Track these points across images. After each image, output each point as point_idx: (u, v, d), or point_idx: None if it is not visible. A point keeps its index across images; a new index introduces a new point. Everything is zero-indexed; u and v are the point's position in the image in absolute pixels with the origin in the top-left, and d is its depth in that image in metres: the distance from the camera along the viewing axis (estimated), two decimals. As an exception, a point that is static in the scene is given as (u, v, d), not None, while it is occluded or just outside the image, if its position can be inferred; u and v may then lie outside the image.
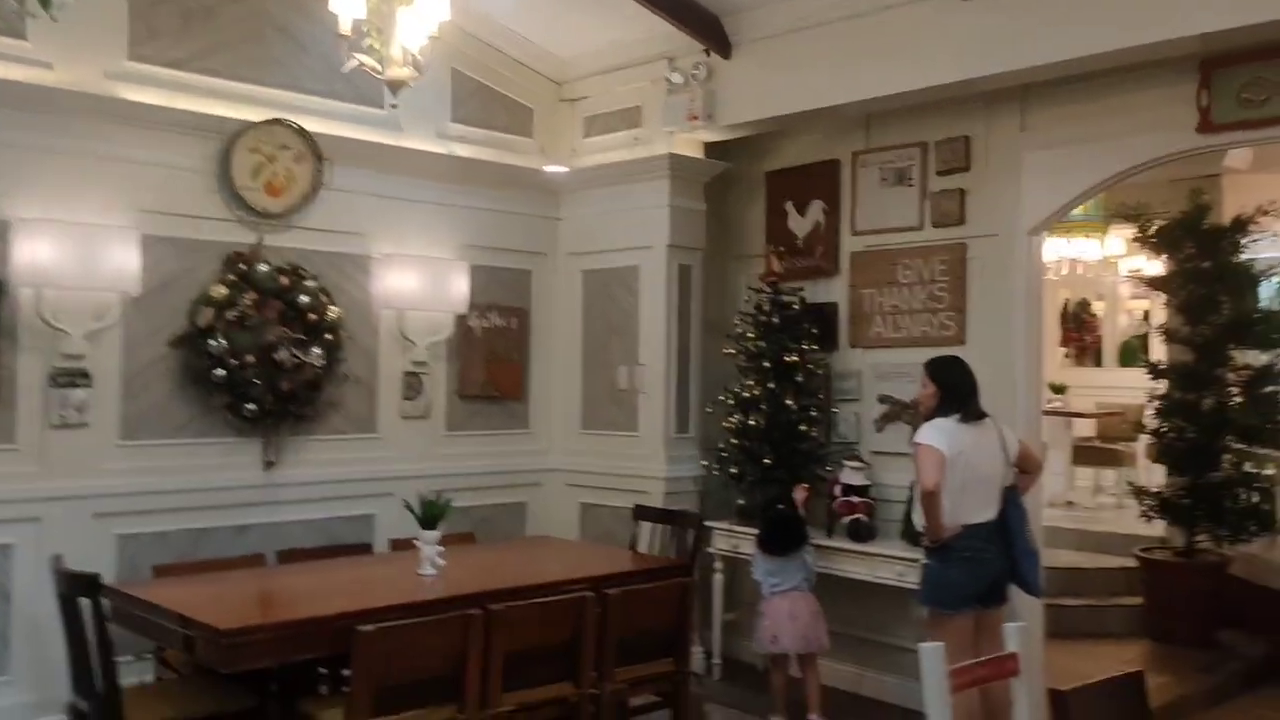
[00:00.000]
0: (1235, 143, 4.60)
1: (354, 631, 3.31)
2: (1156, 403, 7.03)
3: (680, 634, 4.23)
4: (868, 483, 5.51)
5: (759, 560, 5.20)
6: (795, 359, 5.63)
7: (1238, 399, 6.83)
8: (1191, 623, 6.70)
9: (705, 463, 6.00)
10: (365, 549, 4.99)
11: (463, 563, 4.58)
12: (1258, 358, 7.05)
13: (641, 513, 5.48)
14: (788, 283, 5.87)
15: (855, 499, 5.46)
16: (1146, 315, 12.63)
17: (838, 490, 5.53)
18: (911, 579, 5.00)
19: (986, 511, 4.37)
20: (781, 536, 5.13)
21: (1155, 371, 7.07)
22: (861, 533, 5.37)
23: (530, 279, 6.49)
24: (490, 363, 6.24)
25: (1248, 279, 6.91)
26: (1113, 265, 10.48)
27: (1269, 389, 6.88)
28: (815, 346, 5.74)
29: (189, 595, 3.87)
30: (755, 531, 5.57)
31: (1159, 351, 8.37)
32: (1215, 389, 6.82)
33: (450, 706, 3.54)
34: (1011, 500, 4.45)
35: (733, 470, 5.73)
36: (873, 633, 5.59)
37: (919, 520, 4.46)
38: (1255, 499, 6.74)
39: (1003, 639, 4.66)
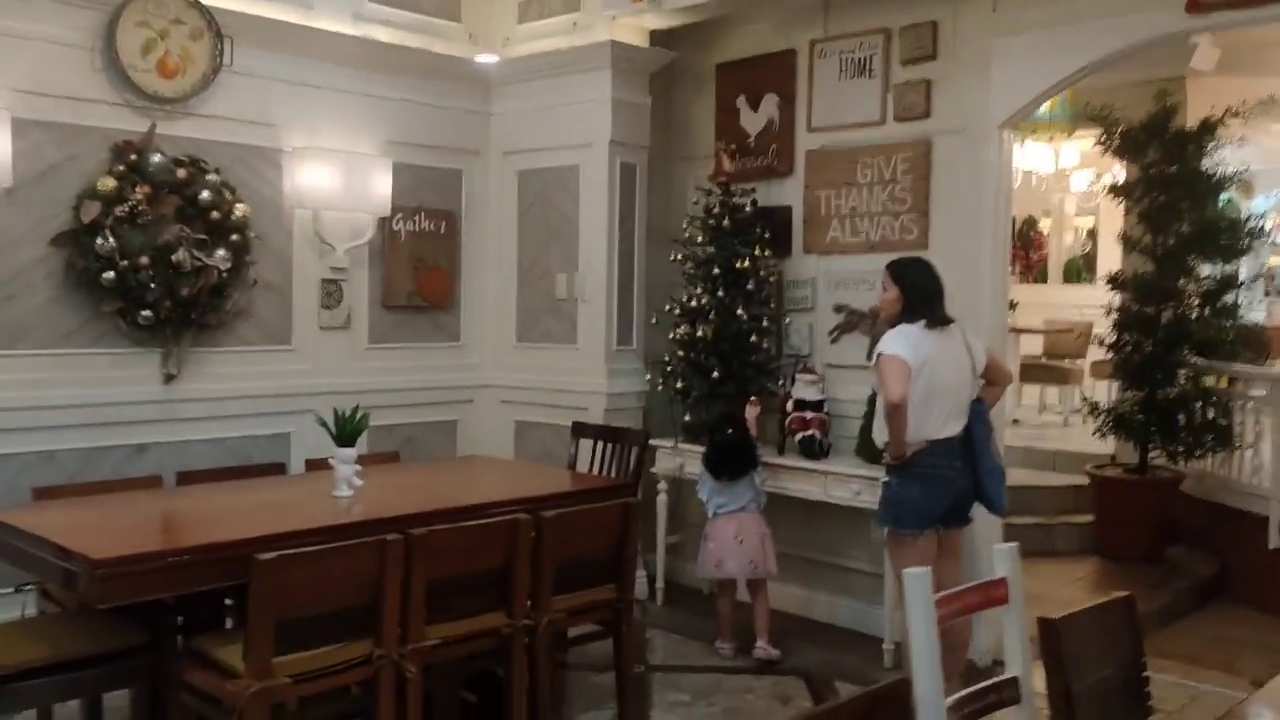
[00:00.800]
0: (1227, 24, 4.24)
1: (251, 560, 2.90)
2: (1114, 315, 6.80)
3: (623, 559, 3.88)
4: (822, 397, 5.18)
5: (705, 480, 4.88)
6: (746, 265, 5.25)
7: (1197, 311, 6.63)
8: (1142, 540, 6.57)
9: (649, 377, 5.62)
10: (277, 470, 4.55)
11: (383, 483, 4.17)
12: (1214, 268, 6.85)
13: (580, 430, 5.10)
14: (739, 184, 5.46)
15: (809, 414, 5.13)
16: (1092, 233, 12.51)
17: (790, 405, 5.20)
18: (868, 498, 4.71)
19: (952, 426, 4.06)
20: (730, 461, 4.80)
21: (1114, 283, 6.82)
22: (815, 450, 5.05)
23: (460, 179, 5.98)
24: (417, 270, 5.77)
25: (1212, 186, 6.65)
26: (1065, 178, 10.22)
27: (1228, 300, 6.69)
28: (768, 252, 5.36)
29: (67, 521, 3.41)
30: (702, 450, 5.24)
31: (1110, 264, 8.14)
32: (1175, 301, 6.60)
33: (366, 642, 3.16)
34: (977, 414, 4.14)
35: (678, 385, 5.36)
36: (825, 554, 5.31)
37: (880, 435, 4.14)
38: (1211, 414, 6.58)
39: (963, 561, 4.43)
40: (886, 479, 4.15)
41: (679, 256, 5.44)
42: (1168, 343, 6.55)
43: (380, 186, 5.40)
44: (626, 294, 5.67)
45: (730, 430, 4.80)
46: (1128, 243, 6.74)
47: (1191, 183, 6.52)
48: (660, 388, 5.50)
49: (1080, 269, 12.46)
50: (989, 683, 2.33)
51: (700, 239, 5.36)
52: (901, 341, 3.99)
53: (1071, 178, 10.39)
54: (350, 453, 3.86)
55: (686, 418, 5.35)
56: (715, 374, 5.21)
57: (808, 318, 5.43)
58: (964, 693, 2.25)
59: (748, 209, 5.38)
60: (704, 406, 5.32)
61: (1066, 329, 9.68)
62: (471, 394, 6.03)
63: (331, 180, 5.20)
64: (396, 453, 5.01)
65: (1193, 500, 6.67)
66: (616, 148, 5.59)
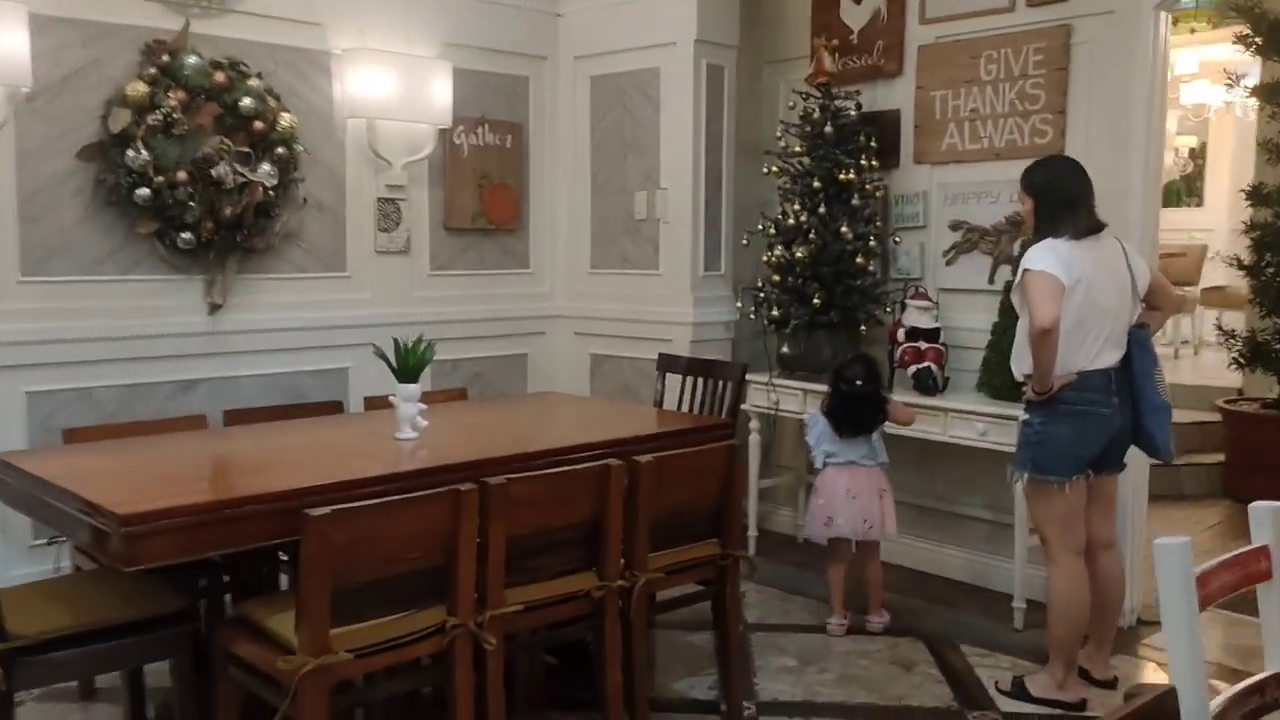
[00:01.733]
0: None
1: (301, 516, 2.43)
2: (1252, 235, 6.08)
3: (727, 509, 3.36)
4: (937, 325, 4.59)
5: (816, 425, 4.25)
6: (851, 178, 4.64)
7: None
8: (1280, 483, 5.94)
9: (740, 305, 5.05)
10: (334, 408, 4.09)
11: (451, 424, 3.69)
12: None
13: (667, 363, 4.56)
14: (841, 86, 4.82)
15: (923, 345, 4.54)
16: (1194, 152, 11.63)
17: (901, 335, 4.61)
18: (996, 438, 4.14)
19: (1108, 355, 3.47)
20: (855, 416, 4.13)
21: (1254, 197, 6.09)
22: (931, 384, 4.46)
23: (528, 87, 5.41)
24: (482, 188, 5.24)
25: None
26: (1176, 87, 9.38)
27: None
28: (874, 163, 4.74)
29: (96, 468, 2.98)
30: (798, 386, 4.72)
31: (1220, 184, 7.35)
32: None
33: (437, 609, 2.69)
34: (1139, 341, 3.55)
35: (774, 313, 4.80)
36: (941, 502, 4.76)
37: (1020, 365, 3.56)
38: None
39: (1115, 515, 3.86)
40: (1027, 417, 3.57)
41: (773, 169, 4.84)
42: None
43: (440, 94, 4.85)
44: (714, 213, 5.10)
45: (860, 382, 4.12)
46: (1272, 152, 5.98)
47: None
48: (752, 316, 4.94)
49: (1180, 191, 11.61)
50: (1252, 681, 1.79)
51: (798, 148, 4.76)
52: (1049, 256, 3.39)
53: (1182, 89, 9.55)
54: (414, 389, 3.38)
55: (784, 349, 4.79)
56: (816, 301, 4.64)
57: (919, 236, 4.81)
58: (1228, 695, 1.71)
59: (852, 114, 4.75)
60: (804, 337, 4.76)
61: (1179, 253, 8.92)
62: (543, 325, 5.52)
63: (386, 86, 4.66)
64: (463, 389, 4.54)
65: (1341, 438, 5.99)
66: (702, 48, 4.97)
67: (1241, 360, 6.09)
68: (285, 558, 3.28)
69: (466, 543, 2.70)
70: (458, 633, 2.71)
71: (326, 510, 2.45)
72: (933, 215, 4.79)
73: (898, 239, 4.79)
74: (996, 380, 4.32)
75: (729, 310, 5.15)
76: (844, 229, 4.61)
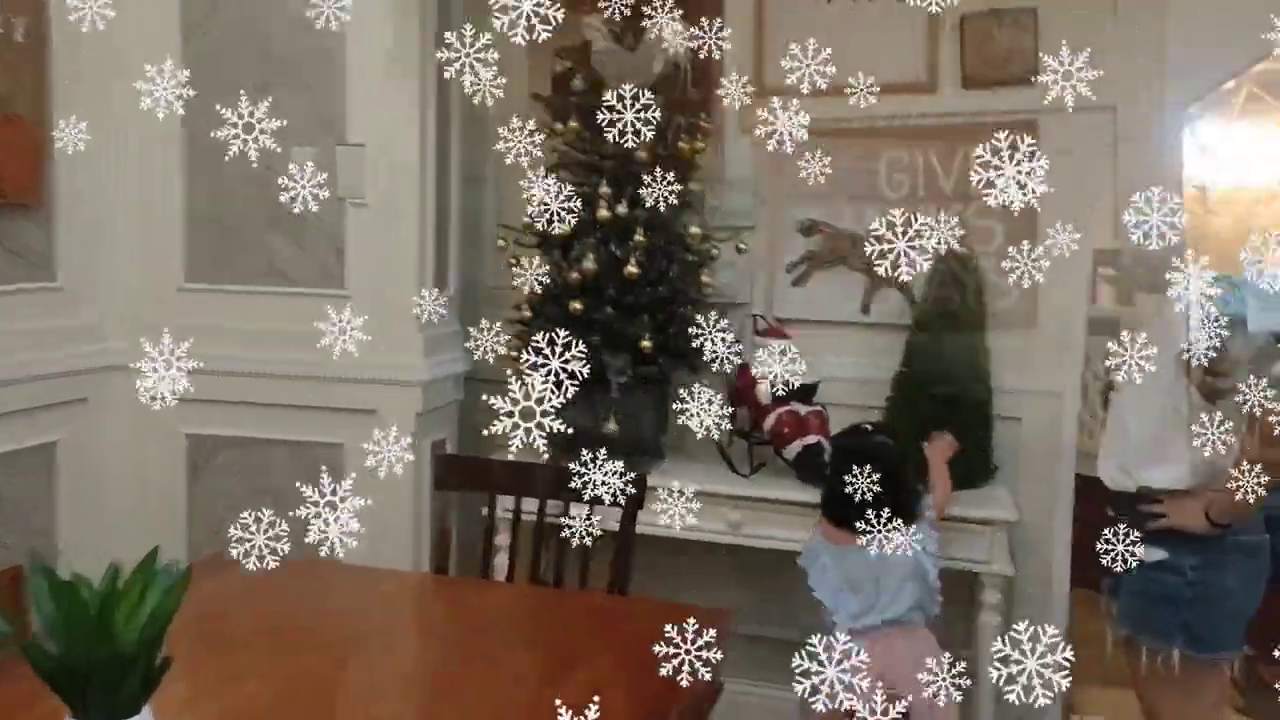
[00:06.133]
0: None
1: None
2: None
3: None
4: (814, 379, 3.07)
5: (815, 551, 2.47)
6: (699, 145, 2.93)
7: None
8: None
9: (502, 344, 2.99)
10: None
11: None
12: None
13: (457, 473, 2.40)
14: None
15: (802, 409, 3.00)
16: None
17: (761, 393, 3.02)
18: (961, 554, 2.77)
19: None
20: (841, 480, 2.29)
21: None
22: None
23: (49, -76, 2.76)
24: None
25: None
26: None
27: None
28: (706, 123, 3.08)
29: None
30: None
31: None
32: None
33: None
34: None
35: (571, 361, 2.87)
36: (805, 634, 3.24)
37: (1151, 470, 2.23)
38: None
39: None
40: (1163, 556, 2.22)
41: (557, 129, 2.90)
42: None
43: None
44: (442, 196, 2.99)
45: (872, 429, 2.47)
46: None
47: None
48: (514, 358, 2.95)
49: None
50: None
51: (584, 90, 2.88)
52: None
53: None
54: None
55: (611, 425, 2.87)
56: (645, 343, 2.85)
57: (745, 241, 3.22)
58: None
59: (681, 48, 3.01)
60: (610, 402, 2.92)
61: None
62: (85, 386, 2.90)
63: None
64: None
65: None
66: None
67: None
68: None
69: None
70: None
71: None
72: (767, 211, 3.25)
73: (743, 245, 3.13)
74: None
75: (458, 357, 3.09)
76: (693, 227, 2.88)
